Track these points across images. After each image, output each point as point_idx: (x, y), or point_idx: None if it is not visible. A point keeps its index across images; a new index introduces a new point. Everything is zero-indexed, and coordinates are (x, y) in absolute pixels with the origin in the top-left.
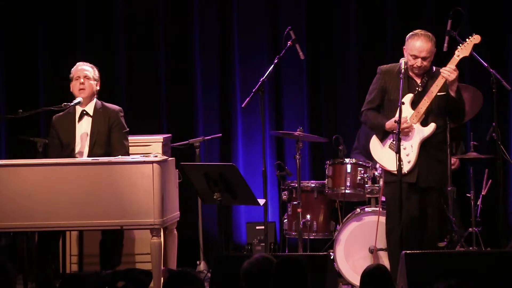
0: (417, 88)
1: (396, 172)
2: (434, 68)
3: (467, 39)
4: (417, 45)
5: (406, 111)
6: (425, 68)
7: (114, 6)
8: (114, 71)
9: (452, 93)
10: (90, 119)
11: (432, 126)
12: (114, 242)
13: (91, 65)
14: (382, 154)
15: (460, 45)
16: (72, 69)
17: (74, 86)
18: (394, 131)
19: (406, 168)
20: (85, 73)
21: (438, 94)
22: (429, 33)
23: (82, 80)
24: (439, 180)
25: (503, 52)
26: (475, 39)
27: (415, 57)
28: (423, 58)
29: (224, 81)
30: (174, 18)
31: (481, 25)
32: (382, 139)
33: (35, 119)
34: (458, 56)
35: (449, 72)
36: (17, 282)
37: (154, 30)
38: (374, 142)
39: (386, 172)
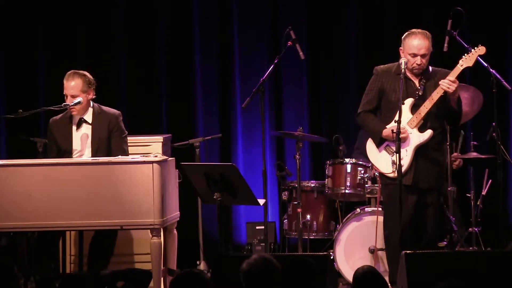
0: (417, 92)
1: (389, 174)
2: (430, 68)
3: (472, 50)
4: (415, 43)
5: (405, 115)
6: (424, 66)
7: (114, 6)
8: (114, 71)
9: (453, 104)
10: (89, 126)
11: (428, 133)
12: (106, 245)
13: (78, 75)
14: (378, 156)
15: (465, 55)
16: (64, 79)
17: (66, 102)
18: (394, 131)
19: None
20: (71, 91)
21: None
22: (425, 31)
23: (69, 100)
24: (438, 181)
25: (503, 52)
26: (480, 50)
27: (414, 55)
28: (422, 56)
29: (224, 81)
30: (174, 18)
31: (481, 25)
32: (379, 144)
33: (35, 119)
34: (461, 66)
35: (448, 84)
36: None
37: (154, 30)
38: (370, 144)
39: (382, 175)
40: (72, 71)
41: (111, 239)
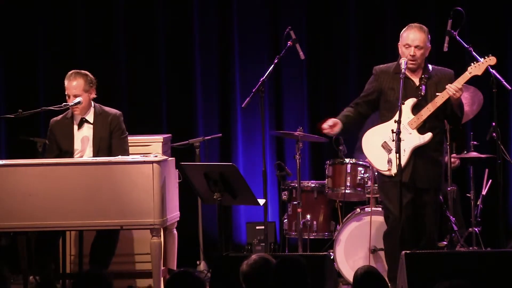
0: (419, 93)
1: (384, 172)
2: (430, 67)
3: (482, 59)
4: (410, 35)
5: (406, 115)
6: (419, 60)
7: (114, 5)
8: (114, 71)
9: (455, 107)
10: (91, 126)
11: (429, 135)
12: (108, 244)
13: (80, 74)
14: (374, 152)
15: (474, 62)
16: (65, 79)
17: (69, 102)
18: (394, 132)
19: (393, 170)
20: (73, 91)
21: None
22: (423, 25)
23: (71, 100)
24: (436, 180)
25: (503, 52)
26: (491, 60)
27: (408, 46)
28: (416, 47)
29: (224, 81)
30: (174, 17)
31: (481, 25)
32: (365, 130)
33: (35, 119)
34: (470, 73)
35: (455, 90)
36: (17, 282)
37: (154, 29)
38: (366, 139)
39: (379, 173)
40: (73, 71)
41: (113, 238)
